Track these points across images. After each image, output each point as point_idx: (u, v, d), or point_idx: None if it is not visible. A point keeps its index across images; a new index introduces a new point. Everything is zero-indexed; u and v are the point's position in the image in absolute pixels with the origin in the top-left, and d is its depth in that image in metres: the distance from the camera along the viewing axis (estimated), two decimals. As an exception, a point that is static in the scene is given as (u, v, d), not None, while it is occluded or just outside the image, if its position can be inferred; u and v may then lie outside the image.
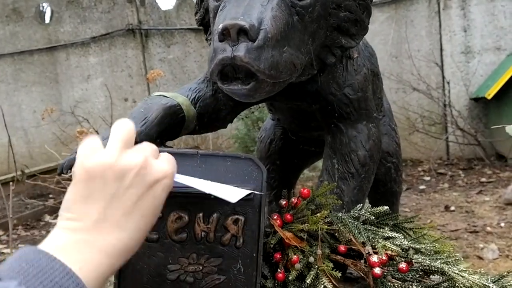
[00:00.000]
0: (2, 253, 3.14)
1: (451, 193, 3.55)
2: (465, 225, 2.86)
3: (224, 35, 0.68)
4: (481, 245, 2.55)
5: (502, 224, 2.81)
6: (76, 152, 0.85)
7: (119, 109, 4.91)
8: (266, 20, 0.70)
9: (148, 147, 0.57)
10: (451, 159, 4.58)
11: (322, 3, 0.78)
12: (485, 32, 4.45)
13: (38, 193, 4.55)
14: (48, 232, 3.36)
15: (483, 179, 3.77)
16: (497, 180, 3.71)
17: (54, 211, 3.99)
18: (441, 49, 4.55)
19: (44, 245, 0.47)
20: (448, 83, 4.44)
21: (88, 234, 0.49)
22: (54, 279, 0.42)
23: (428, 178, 4.04)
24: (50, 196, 4.55)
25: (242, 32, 0.68)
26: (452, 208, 3.17)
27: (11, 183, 2.00)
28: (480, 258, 2.39)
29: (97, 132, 3.40)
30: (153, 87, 4.99)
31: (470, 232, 2.75)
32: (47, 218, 3.94)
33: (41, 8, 5.51)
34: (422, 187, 3.79)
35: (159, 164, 0.55)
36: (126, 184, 0.51)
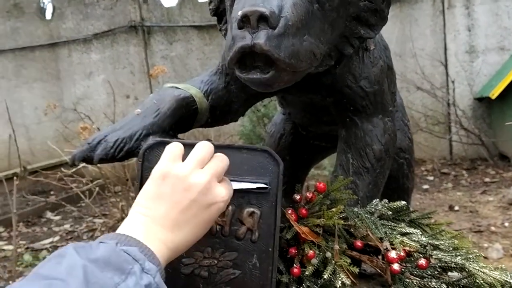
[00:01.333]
0: (3, 249, 3.13)
1: (455, 192, 3.54)
2: (469, 225, 2.85)
3: (244, 22, 0.66)
4: (486, 245, 2.53)
5: (506, 224, 2.80)
6: (87, 144, 0.83)
7: (121, 106, 4.88)
8: (287, 7, 0.68)
9: (216, 168, 0.66)
10: (454, 159, 4.57)
11: (342, -9, 0.77)
12: (489, 32, 4.44)
13: (39, 190, 4.53)
14: (49, 228, 3.33)
15: (487, 179, 3.76)
16: (501, 180, 3.70)
17: (55, 207, 3.97)
18: (446, 48, 4.53)
19: (122, 226, 0.61)
20: (453, 82, 4.42)
21: (154, 224, 0.60)
22: (137, 244, 0.56)
23: (431, 178, 4.03)
24: (52, 192, 4.53)
25: (262, 19, 0.66)
26: (456, 207, 3.16)
27: (15, 178, 1.98)
28: (485, 257, 2.37)
29: (98, 129, 3.38)
30: (155, 84, 4.97)
31: (475, 232, 2.73)
32: (48, 214, 3.92)
33: (41, 4, 5.48)
34: (425, 186, 3.77)
35: (220, 189, 0.65)
36: (190, 197, 0.62)
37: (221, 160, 0.68)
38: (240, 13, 0.66)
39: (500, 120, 4.08)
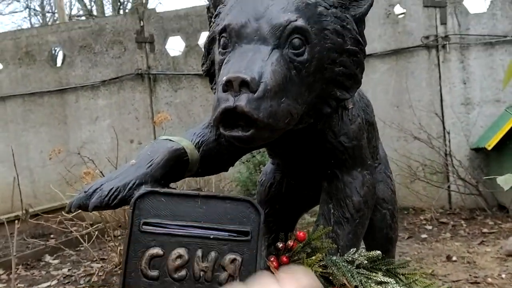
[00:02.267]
0: (0, 292, 3.12)
1: (453, 242, 3.53)
2: (466, 276, 2.83)
3: (228, 86, 0.75)
4: (483, 297, 2.52)
5: (503, 276, 2.78)
6: (84, 192, 0.90)
7: (124, 150, 4.98)
8: (266, 74, 0.76)
9: None
10: (453, 208, 4.57)
11: (319, 59, 0.85)
12: (484, 85, 4.57)
13: (40, 233, 4.55)
14: (47, 272, 3.33)
15: (485, 230, 3.75)
16: (499, 231, 3.69)
17: (54, 251, 3.97)
18: (441, 100, 4.65)
19: None
20: (449, 133, 4.51)
21: None
22: None
23: (430, 227, 4.02)
24: (52, 236, 4.55)
25: (244, 84, 0.74)
26: (454, 258, 3.15)
27: (16, 221, 2.03)
28: (482, 310, 2.35)
29: (101, 173, 3.45)
30: (159, 129, 5.09)
31: (471, 283, 2.72)
32: (48, 258, 3.92)
33: (53, 52, 5.71)
34: (424, 236, 3.77)
35: None
36: None
37: None
38: (224, 78, 0.75)
39: (497, 170, 4.13)
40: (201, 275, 0.81)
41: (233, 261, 0.81)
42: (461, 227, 3.94)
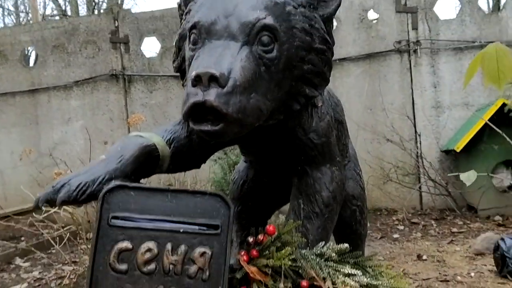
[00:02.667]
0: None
1: (424, 242, 3.61)
2: (436, 274, 2.90)
3: (197, 81, 0.76)
4: (452, 294, 2.58)
5: (472, 274, 2.85)
6: (52, 187, 0.89)
7: (98, 152, 4.90)
8: (236, 69, 0.78)
9: None
10: (424, 209, 4.68)
11: (287, 56, 0.87)
12: (454, 89, 4.70)
13: (10, 235, 4.43)
14: (17, 275, 3.25)
15: (454, 229, 3.85)
16: (468, 231, 3.79)
17: (25, 254, 3.88)
18: (413, 103, 4.76)
19: None
20: (419, 135, 4.61)
21: None
22: None
23: (401, 227, 4.10)
24: (22, 238, 4.44)
25: (213, 79, 0.75)
26: (424, 257, 3.22)
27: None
28: (450, 306, 2.41)
29: (74, 174, 3.39)
30: (133, 131, 5.02)
31: (441, 281, 2.78)
32: (18, 261, 3.82)
33: (26, 52, 5.60)
34: (396, 236, 3.84)
35: None
36: None
37: None
38: (193, 73, 0.76)
39: (465, 172, 4.24)
40: (171, 268, 0.81)
41: (202, 254, 0.82)
42: (432, 227, 4.04)
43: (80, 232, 3.48)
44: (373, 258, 0.97)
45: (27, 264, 3.77)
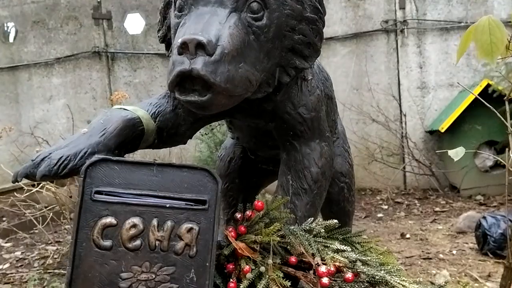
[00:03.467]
0: None
1: (407, 221, 3.66)
2: (419, 252, 2.95)
3: (183, 48, 0.72)
4: (434, 271, 2.63)
5: (454, 252, 2.91)
6: (31, 160, 0.85)
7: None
8: (224, 37, 0.74)
9: None
10: (407, 189, 4.73)
11: (277, 25, 0.84)
12: (439, 69, 4.71)
13: (-10, 215, 4.36)
14: (0, 256, 3.20)
15: (437, 209, 3.91)
16: (450, 210, 3.86)
17: (7, 234, 3.82)
18: (399, 84, 4.77)
19: None
20: (405, 115, 4.64)
21: None
22: None
23: (385, 207, 4.15)
24: (4, 218, 4.37)
25: (200, 47, 0.72)
26: (408, 235, 3.27)
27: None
28: (432, 283, 2.45)
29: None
30: (117, 110, 4.94)
31: (424, 258, 2.83)
32: (0, 241, 3.77)
33: (5, 28, 5.41)
34: (380, 215, 3.89)
35: None
36: None
37: None
38: (179, 40, 0.72)
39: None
40: (157, 244, 0.79)
41: (189, 230, 0.80)
42: (415, 206, 4.10)
43: (64, 212, 3.44)
44: (362, 234, 0.97)
45: (9, 244, 3.71)
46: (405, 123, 4.61)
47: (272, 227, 0.89)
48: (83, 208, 0.79)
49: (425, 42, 4.71)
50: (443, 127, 4.06)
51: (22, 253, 3.47)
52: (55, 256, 3.24)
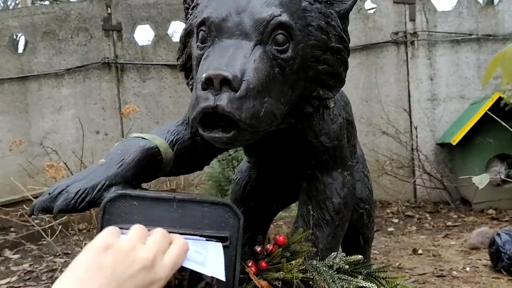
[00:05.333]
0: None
1: (419, 236, 3.61)
2: (432, 269, 2.89)
3: (208, 84, 0.70)
4: (448, 290, 2.58)
5: (468, 269, 2.85)
6: (48, 194, 0.83)
7: (90, 142, 4.83)
8: (249, 71, 0.72)
9: (159, 243, 0.62)
10: (418, 202, 4.68)
11: (302, 56, 0.82)
12: (450, 81, 4.68)
13: (-1, 227, 4.36)
14: (7, 268, 3.19)
15: (449, 223, 3.85)
16: (462, 224, 3.80)
17: (15, 245, 3.81)
18: (409, 96, 4.74)
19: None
20: (416, 128, 4.59)
21: None
22: None
23: (396, 220, 4.10)
24: (12, 230, 4.36)
25: (225, 82, 0.69)
26: (420, 251, 3.22)
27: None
28: (448, 303, 2.41)
29: (66, 164, 3.31)
30: (126, 120, 4.95)
31: (437, 276, 2.78)
32: (7, 253, 3.75)
33: (14, 37, 5.45)
34: (390, 229, 3.84)
35: (163, 266, 0.60)
36: (130, 273, 0.56)
37: (164, 236, 0.64)
38: (204, 75, 0.70)
39: (461, 165, 4.25)
40: (177, 283, 0.76)
41: (210, 268, 0.77)
42: (426, 220, 4.04)
43: (72, 223, 3.43)
44: (387, 270, 0.93)
45: (16, 256, 3.70)
46: (416, 136, 4.57)
47: (294, 262, 0.86)
48: (101, 246, 0.76)
49: (435, 54, 4.68)
50: (455, 140, 4.02)
51: (30, 265, 3.45)
52: (63, 269, 3.21)
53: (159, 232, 0.64)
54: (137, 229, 0.64)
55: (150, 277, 0.58)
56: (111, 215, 0.77)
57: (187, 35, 0.91)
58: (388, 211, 4.43)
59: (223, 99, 0.69)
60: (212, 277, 0.77)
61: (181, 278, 0.76)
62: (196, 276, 0.77)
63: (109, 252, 0.57)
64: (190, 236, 0.79)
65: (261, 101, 0.73)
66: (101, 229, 0.77)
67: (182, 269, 0.76)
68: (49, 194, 0.81)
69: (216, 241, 0.79)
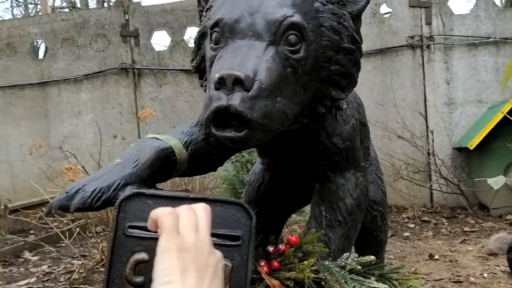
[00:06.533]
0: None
1: (435, 241, 3.56)
2: (449, 275, 2.85)
3: (220, 84, 0.71)
4: (466, 296, 2.54)
5: (485, 275, 2.81)
6: (65, 193, 0.85)
7: (107, 146, 4.89)
8: (261, 71, 0.73)
9: (201, 221, 0.66)
10: (435, 207, 4.62)
11: (315, 57, 0.82)
12: (467, 85, 4.62)
13: (19, 229, 4.44)
14: (26, 269, 3.25)
15: (466, 228, 3.79)
16: (480, 230, 3.74)
17: (34, 247, 3.88)
18: (425, 100, 4.69)
19: None
20: (432, 132, 4.54)
21: None
22: None
23: (412, 225, 4.05)
24: (31, 232, 4.45)
25: (237, 82, 0.71)
26: (436, 256, 3.17)
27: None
28: (465, 309, 2.37)
29: (84, 168, 3.37)
30: (143, 125, 5.01)
31: (454, 282, 2.74)
32: (27, 254, 3.82)
33: (35, 44, 5.58)
34: (406, 234, 3.79)
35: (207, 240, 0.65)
36: (207, 262, 0.61)
37: (191, 213, 0.67)
38: (217, 75, 0.71)
39: (478, 170, 4.18)
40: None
41: (223, 267, 0.78)
42: (443, 225, 3.99)
43: (90, 226, 3.48)
44: (399, 271, 0.93)
45: (35, 258, 3.76)
46: (432, 140, 4.51)
47: (306, 262, 0.86)
48: (116, 243, 0.77)
49: (452, 58, 4.63)
50: (472, 144, 3.96)
51: (49, 267, 3.51)
52: (80, 271, 3.26)
53: (186, 211, 0.66)
54: (184, 214, 0.65)
55: (216, 257, 0.63)
56: (125, 213, 0.79)
57: (201, 37, 0.92)
58: (404, 216, 4.38)
59: (236, 99, 0.70)
60: (225, 276, 0.78)
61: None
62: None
63: (185, 252, 0.60)
64: None
65: (273, 101, 0.74)
66: (116, 227, 0.78)
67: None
68: (66, 193, 0.83)
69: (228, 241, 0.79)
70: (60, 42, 5.35)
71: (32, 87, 5.37)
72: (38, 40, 5.70)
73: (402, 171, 4.61)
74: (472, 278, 2.77)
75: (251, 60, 0.73)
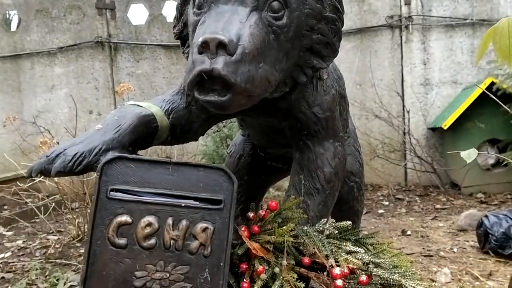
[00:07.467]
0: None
1: (408, 218, 3.67)
2: (420, 249, 2.95)
3: (204, 47, 0.71)
4: (435, 269, 2.63)
5: (455, 250, 2.91)
6: (46, 156, 0.85)
7: (83, 121, 4.81)
8: (244, 36, 0.73)
9: None
10: (408, 185, 4.74)
11: (297, 24, 0.83)
12: (443, 66, 4.70)
13: (-8, 204, 4.36)
14: (1, 244, 3.20)
15: (438, 206, 3.92)
16: (451, 207, 3.86)
17: (8, 222, 3.82)
18: (402, 80, 4.75)
19: None
20: (408, 112, 4.63)
21: None
22: None
23: (386, 203, 4.16)
24: (5, 207, 4.37)
25: (221, 46, 0.71)
26: (409, 232, 3.27)
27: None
28: (433, 281, 2.46)
29: (58, 144, 3.31)
30: (120, 100, 4.93)
31: (425, 256, 2.83)
32: (1, 229, 3.77)
33: (7, 16, 5.38)
34: (381, 211, 3.89)
35: None
36: None
37: None
38: (200, 39, 0.71)
39: (451, 149, 4.29)
40: (172, 243, 0.79)
41: (204, 229, 0.80)
42: (416, 203, 4.10)
43: (66, 202, 3.44)
44: (374, 236, 0.96)
45: (10, 233, 3.71)
46: (408, 120, 4.60)
47: (285, 227, 0.88)
48: (98, 206, 0.78)
49: (429, 39, 4.69)
50: (446, 124, 4.06)
51: (24, 242, 3.47)
52: (56, 246, 3.24)
53: None
54: None
55: None
56: (108, 176, 0.79)
57: (183, 3, 0.92)
58: (379, 194, 4.49)
59: (219, 63, 0.71)
60: (206, 238, 0.80)
61: (176, 238, 0.79)
62: (191, 237, 0.80)
63: None
64: (185, 200, 0.81)
65: (256, 66, 0.75)
66: (98, 190, 0.79)
67: (178, 228, 0.79)
68: (47, 156, 0.83)
69: (210, 204, 0.81)
70: (33, 13, 5.17)
71: (4, 59, 5.20)
72: (10, 12, 5.48)
73: (379, 150, 4.70)
74: (442, 253, 2.87)
75: (234, 25, 0.73)
